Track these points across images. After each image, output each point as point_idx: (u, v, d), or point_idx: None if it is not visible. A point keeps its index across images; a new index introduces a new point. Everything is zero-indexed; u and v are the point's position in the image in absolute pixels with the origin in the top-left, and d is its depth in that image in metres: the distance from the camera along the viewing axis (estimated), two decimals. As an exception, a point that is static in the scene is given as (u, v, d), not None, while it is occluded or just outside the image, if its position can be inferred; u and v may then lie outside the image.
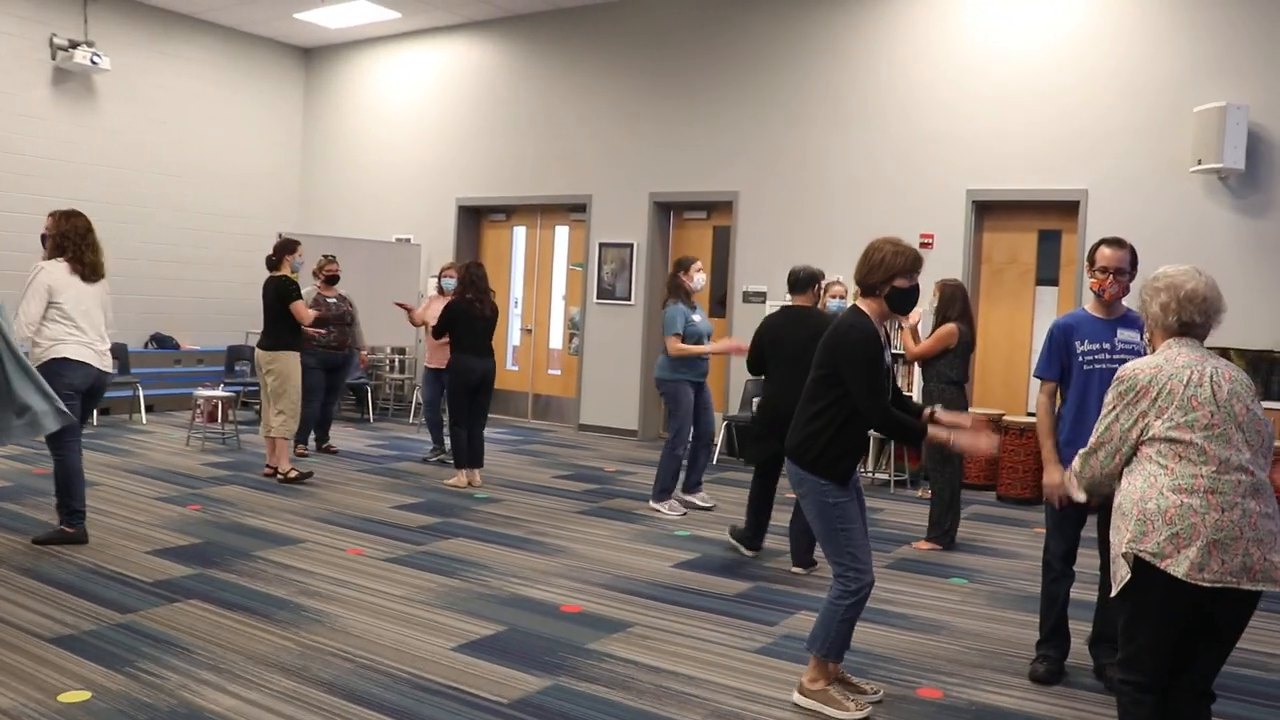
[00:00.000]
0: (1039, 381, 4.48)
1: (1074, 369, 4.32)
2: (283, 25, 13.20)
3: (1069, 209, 8.93)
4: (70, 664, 4.14)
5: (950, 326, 6.57)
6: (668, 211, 11.36)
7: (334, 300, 9.41)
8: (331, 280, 9.52)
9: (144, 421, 11.26)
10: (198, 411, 10.22)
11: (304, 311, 8.12)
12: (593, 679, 4.22)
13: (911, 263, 3.98)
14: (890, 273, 3.95)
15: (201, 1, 12.39)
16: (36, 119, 11.74)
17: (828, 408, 3.94)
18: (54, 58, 11.75)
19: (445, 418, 9.10)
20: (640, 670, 4.35)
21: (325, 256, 9.61)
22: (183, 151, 13.10)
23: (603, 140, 11.54)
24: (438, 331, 8.25)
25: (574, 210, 12.03)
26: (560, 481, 8.65)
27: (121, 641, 4.43)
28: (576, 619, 5.01)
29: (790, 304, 6.36)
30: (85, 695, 3.84)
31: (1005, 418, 8.57)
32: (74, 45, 11.72)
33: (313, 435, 9.60)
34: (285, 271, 8.22)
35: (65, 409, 5.34)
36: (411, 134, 13.20)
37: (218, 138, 13.48)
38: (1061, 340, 4.36)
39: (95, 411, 10.35)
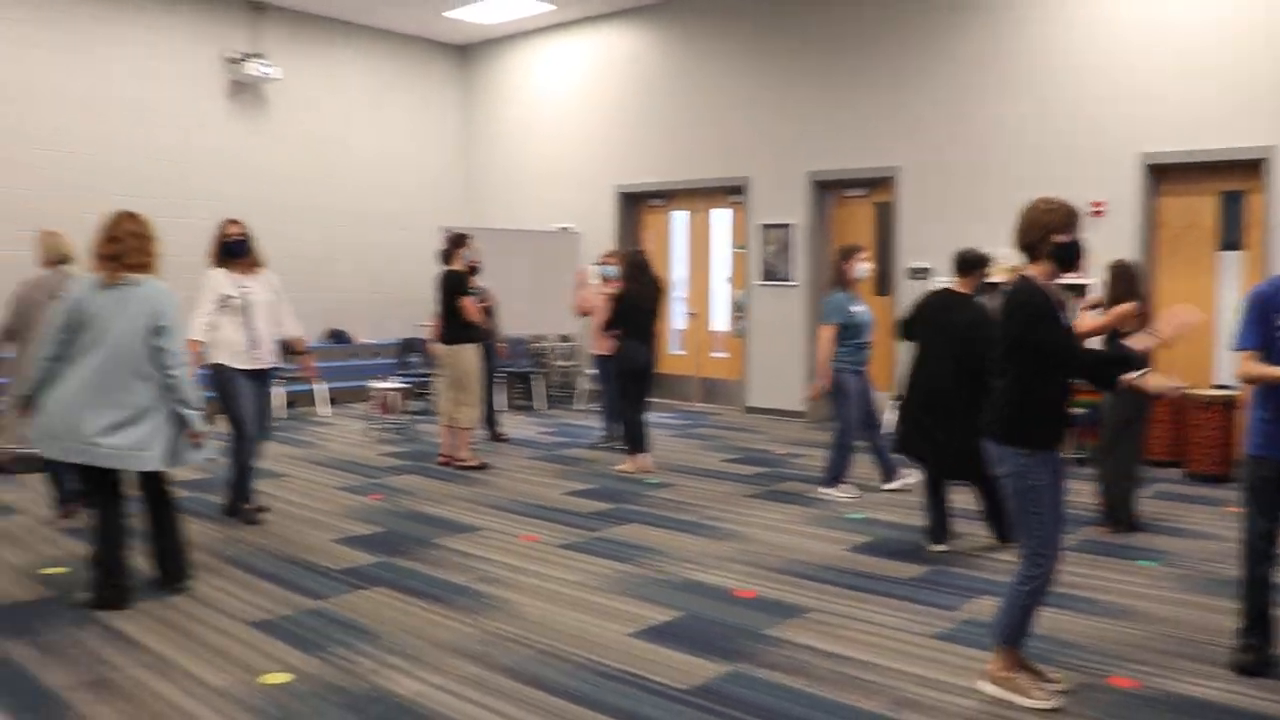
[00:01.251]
0: (1240, 353, 4.21)
1: (1274, 341, 4.08)
2: (439, 24, 13.53)
3: (1252, 168, 8.44)
4: (270, 647, 4.37)
5: (1128, 305, 6.30)
6: (826, 190, 11.22)
7: (475, 292, 9.58)
8: (473, 271, 9.71)
9: (324, 414, 11.74)
10: (374, 403, 10.59)
11: (470, 308, 8.30)
12: (771, 665, 4.22)
13: (1065, 217, 3.87)
14: (1045, 229, 3.86)
15: (361, 7, 12.81)
16: (213, 129, 12.35)
17: (1018, 377, 3.85)
18: (228, 71, 12.35)
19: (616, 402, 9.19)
20: (819, 656, 4.33)
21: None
22: (349, 153, 13.59)
23: (759, 120, 11.46)
24: (610, 324, 8.29)
25: (732, 192, 11.99)
26: (730, 465, 8.66)
27: (315, 627, 4.64)
28: (752, 604, 5.01)
29: (951, 286, 6.19)
30: (287, 677, 4.04)
31: (1191, 391, 8.16)
32: (246, 58, 12.27)
33: (485, 427, 9.80)
34: (457, 265, 8.41)
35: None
36: (569, 124, 13.37)
37: (381, 138, 13.92)
38: (1261, 309, 4.12)
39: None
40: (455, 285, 8.31)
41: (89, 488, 5.02)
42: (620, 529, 6.49)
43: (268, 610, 4.86)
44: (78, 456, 4.77)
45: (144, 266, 4.96)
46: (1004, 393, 3.90)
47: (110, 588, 4.93)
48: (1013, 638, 3.89)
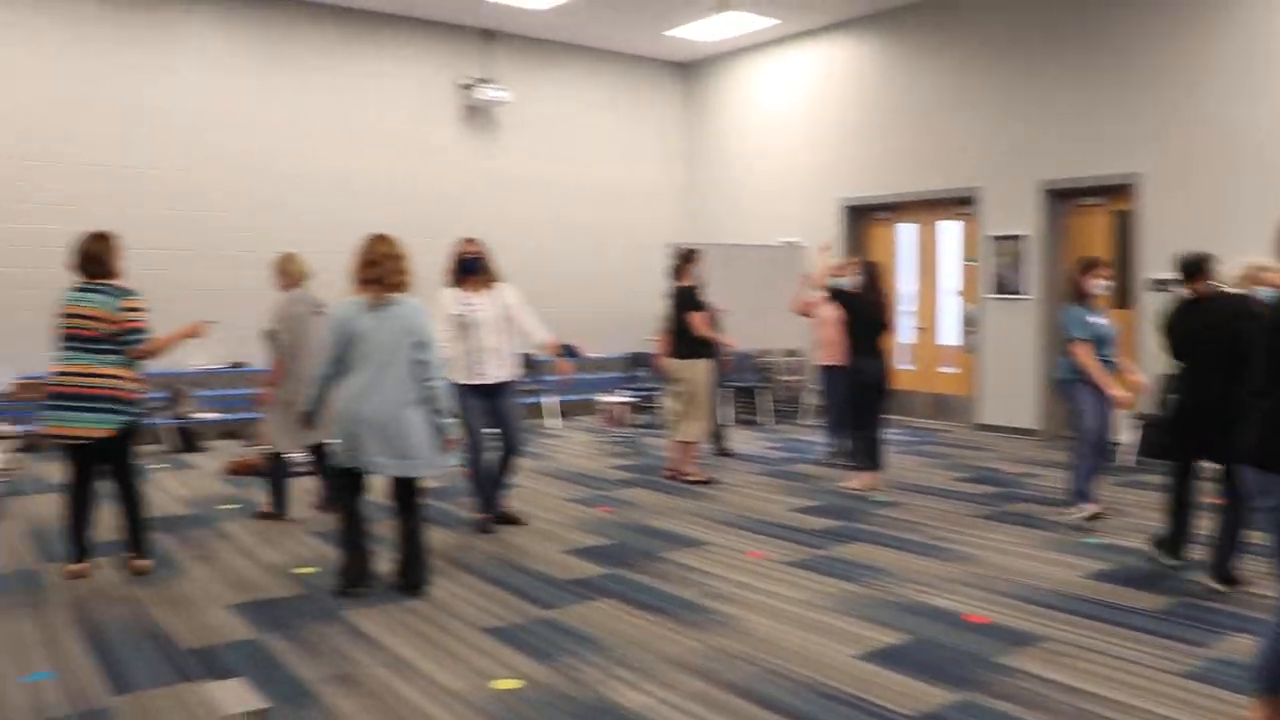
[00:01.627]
0: None
1: None
2: (662, 44, 13.71)
3: None
4: (502, 653, 4.49)
5: None
6: (1060, 199, 10.72)
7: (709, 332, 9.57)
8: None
9: (555, 426, 12.04)
10: (602, 416, 10.79)
11: (700, 323, 8.33)
12: (1005, 696, 4.04)
13: None
14: None
15: (586, 30, 13.12)
16: (449, 154, 12.91)
17: None
18: (462, 97, 12.89)
19: (841, 420, 9.06)
20: (1057, 690, 4.11)
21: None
22: (575, 172, 13.93)
23: (987, 129, 11.08)
24: (836, 296, 8.05)
25: (961, 204, 11.63)
26: (960, 484, 8.38)
27: (545, 635, 4.74)
28: (984, 630, 4.82)
29: (1189, 293, 5.77)
30: (517, 684, 4.14)
31: None
32: (478, 83, 12.79)
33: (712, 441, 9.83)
34: (688, 282, 8.47)
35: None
36: (791, 137, 13.29)
37: (606, 156, 14.22)
38: None
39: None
40: (687, 300, 8.36)
41: (343, 492, 5.40)
42: (847, 547, 6.37)
43: (500, 617, 5.00)
44: (365, 466, 5.25)
45: (400, 286, 5.34)
46: (1270, 415, 3.56)
47: (357, 578, 5.36)
48: (1276, 685, 3.58)
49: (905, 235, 12.52)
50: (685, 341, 8.40)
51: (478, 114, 13.12)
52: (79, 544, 5.71)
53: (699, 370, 8.39)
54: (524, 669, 4.31)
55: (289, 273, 7.12)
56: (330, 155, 12.02)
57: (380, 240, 5.39)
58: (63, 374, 5.51)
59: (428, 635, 4.73)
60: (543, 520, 7.13)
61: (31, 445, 9.67)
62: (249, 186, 11.53)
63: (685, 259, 8.57)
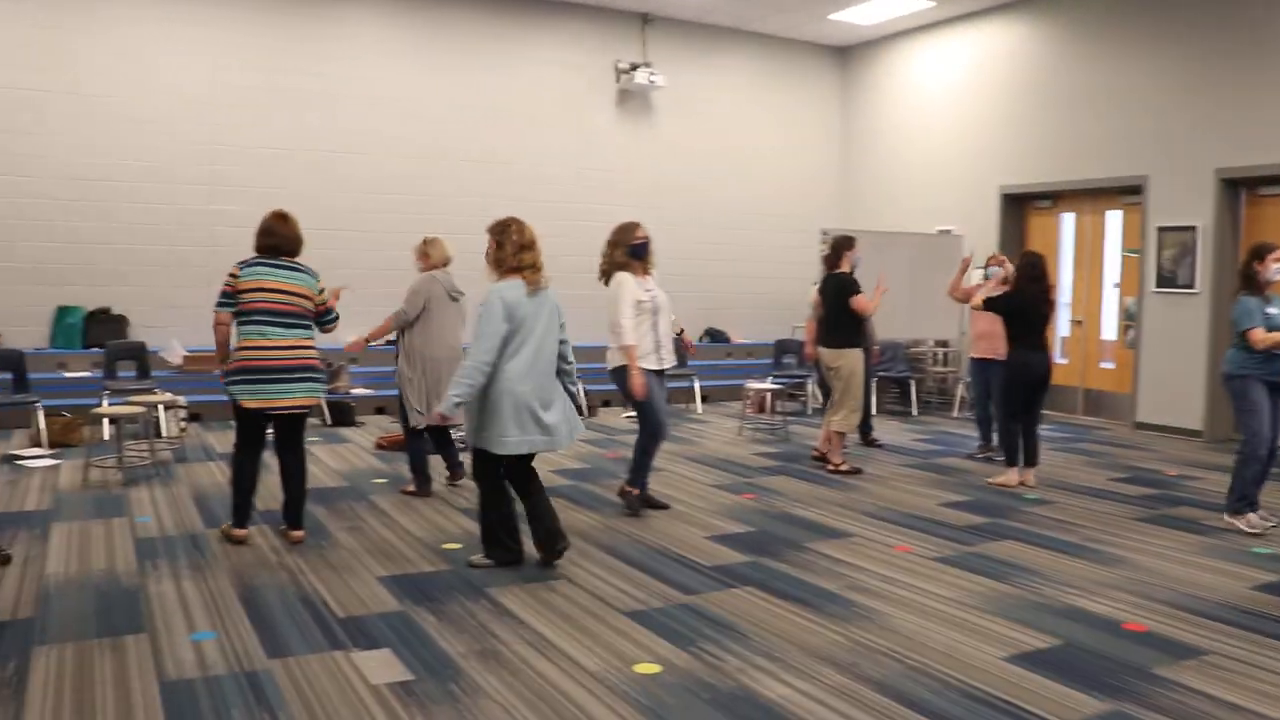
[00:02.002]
0: None
1: None
2: (819, 27, 13.49)
3: None
4: (643, 637, 4.49)
5: None
6: (1239, 188, 10.17)
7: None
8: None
9: (700, 411, 12.03)
10: (748, 403, 10.73)
11: (866, 303, 8.20)
12: (1162, 710, 3.85)
13: None
14: None
15: (744, 14, 13.00)
16: (604, 137, 12.97)
17: None
18: (618, 80, 12.94)
19: (993, 412, 8.82)
20: (1219, 707, 3.89)
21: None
22: (729, 157, 13.85)
23: (1159, 114, 10.56)
24: (991, 305, 7.86)
25: (1127, 193, 11.14)
26: (1116, 484, 8.05)
27: (686, 621, 4.72)
28: (1140, 639, 4.61)
29: None
30: (656, 668, 4.13)
31: None
32: (634, 68, 12.81)
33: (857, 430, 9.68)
34: (844, 268, 8.34)
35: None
36: (950, 123, 12.94)
37: (759, 141, 14.08)
38: None
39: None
40: (845, 287, 8.23)
41: (486, 469, 5.47)
42: (996, 545, 6.18)
43: (642, 601, 5.01)
44: (526, 447, 5.32)
45: (542, 268, 5.48)
46: None
47: (505, 551, 5.50)
48: None
49: (1067, 225, 12.08)
50: (839, 330, 8.28)
51: (633, 98, 13.16)
52: (245, 510, 5.93)
53: (853, 359, 8.25)
54: (664, 654, 4.30)
55: (429, 255, 7.30)
56: (486, 138, 12.22)
57: (524, 225, 5.45)
58: (273, 348, 5.65)
59: (569, 615, 4.77)
60: (686, 505, 7.11)
61: (196, 415, 10.12)
62: (406, 169, 11.81)
63: (843, 245, 8.43)
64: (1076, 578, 5.52)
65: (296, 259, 5.86)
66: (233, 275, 5.72)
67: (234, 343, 5.73)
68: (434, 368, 7.05)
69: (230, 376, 5.67)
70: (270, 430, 5.91)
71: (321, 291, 5.87)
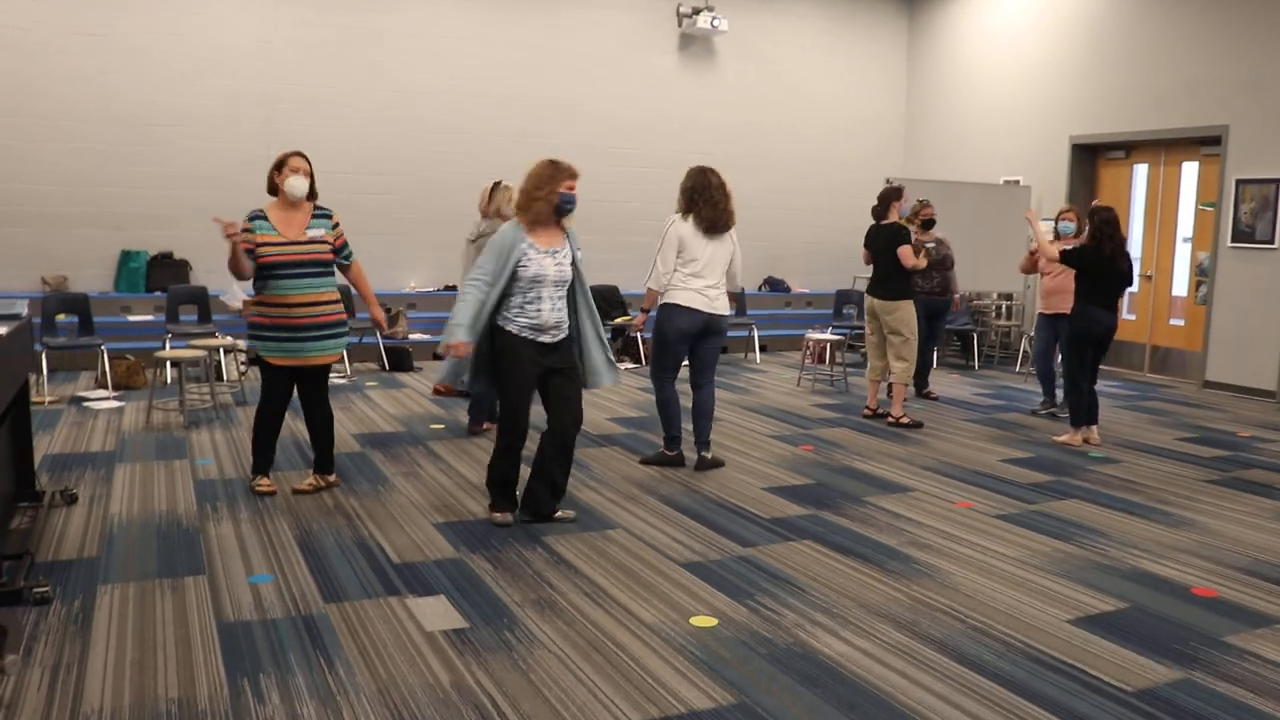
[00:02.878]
0: None
1: None
2: (893, -31, 13.17)
3: None
4: (699, 590, 4.45)
5: None
6: (1328, 140, 9.80)
7: (932, 245, 9.25)
8: (928, 224, 9.40)
9: (758, 361, 11.94)
10: (807, 353, 10.62)
11: (910, 256, 8.05)
12: (1232, 679, 3.73)
13: None
14: None
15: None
16: (665, 83, 12.79)
17: None
18: (680, 25, 12.73)
19: (1057, 368, 8.64)
20: (1295, 674, 3.78)
21: (920, 201, 9.49)
22: (792, 103, 13.61)
23: (1243, 61, 10.16)
24: (1067, 258, 7.65)
25: (1205, 143, 10.78)
26: (1184, 445, 7.85)
27: (743, 574, 4.67)
28: (1210, 605, 4.48)
29: None
30: (713, 621, 4.09)
31: None
32: (696, 12, 12.57)
33: (912, 382, 9.56)
34: (893, 219, 8.20)
35: (616, 366, 5.58)
36: (1019, 70, 12.59)
37: (824, 88, 13.82)
38: None
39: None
40: (893, 237, 8.09)
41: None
42: (1060, 504, 6.05)
43: (698, 553, 4.96)
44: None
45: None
46: None
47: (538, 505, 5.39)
48: None
49: (1139, 177, 11.74)
50: (892, 281, 8.14)
51: (695, 43, 12.95)
52: (268, 459, 5.86)
53: (906, 311, 8.12)
54: (721, 607, 4.25)
55: (491, 199, 7.24)
56: (547, 83, 12.10)
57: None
58: (303, 304, 5.49)
59: (626, 566, 4.73)
60: (743, 456, 7.05)
61: (256, 359, 10.18)
62: (463, 115, 11.73)
63: (891, 196, 8.27)
64: (1144, 540, 5.39)
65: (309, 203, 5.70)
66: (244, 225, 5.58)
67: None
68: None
69: (263, 333, 5.61)
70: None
71: (337, 227, 5.69)
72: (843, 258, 13.50)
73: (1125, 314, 11.64)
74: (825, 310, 12.95)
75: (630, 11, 12.52)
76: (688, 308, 6.36)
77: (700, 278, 6.36)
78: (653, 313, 6.60)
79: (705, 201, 6.39)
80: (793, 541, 5.18)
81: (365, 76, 11.23)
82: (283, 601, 4.17)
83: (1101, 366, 7.85)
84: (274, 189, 5.63)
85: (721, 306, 6.44)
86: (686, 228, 6.40)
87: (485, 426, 7.49)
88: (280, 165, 5.60)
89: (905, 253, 8.03)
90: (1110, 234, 7.47)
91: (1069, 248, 7.70)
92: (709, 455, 6.65)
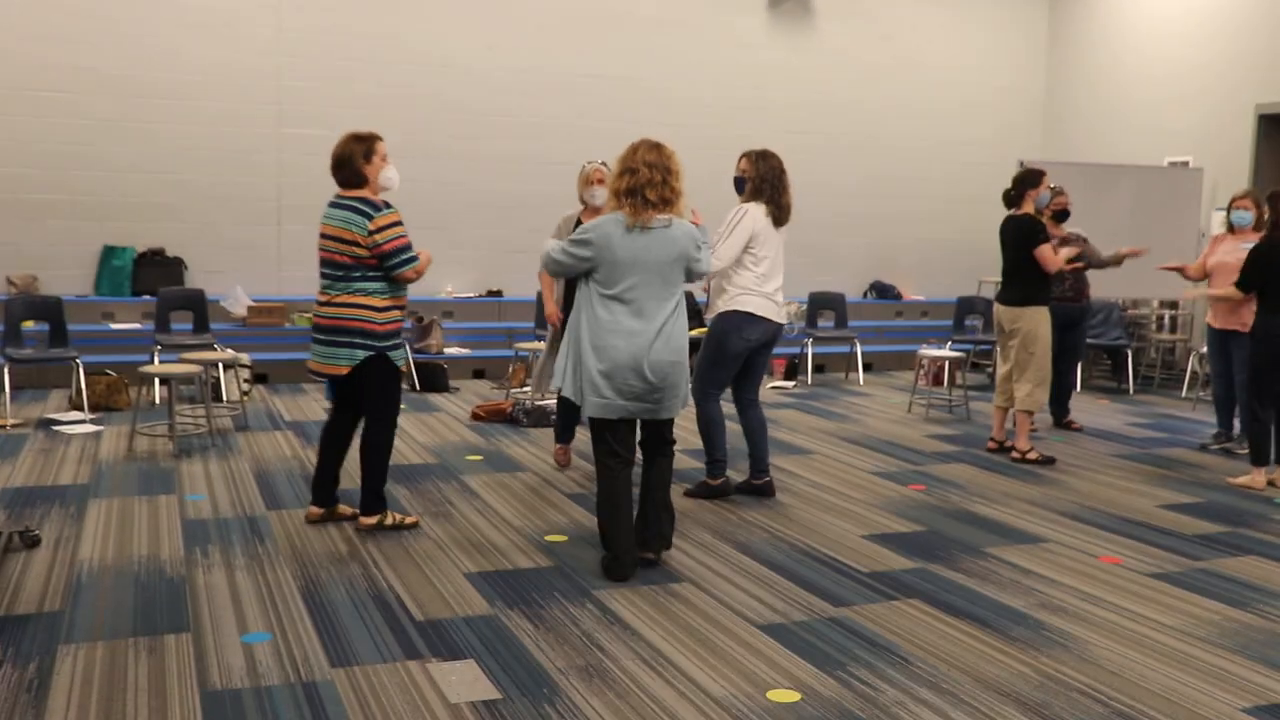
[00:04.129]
0: None
1: None
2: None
3: None
4: (780, 657, 4.43)
5: None
6: None
7: (1064, 267, 9.12)
8: (1061, 216, 9.28)
9: (861, 382, 11.87)
10: (921, 372, 10.54)
11: (1051, 257, 7.97)
12: None
13: None
14: None
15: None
16: (752, 47, 12.81)
17: None
18: (770, -24, 12.78)
19: (1240, 395, 8.48)
20: None
21: (1052, 189, 9.36)
22: (907, 72, 13.56)
23: None
24: (1243, 284, 7.58)
25: None
26: (1396, 488, 7.68)
27: (833, 639, 4.64)
28: None
29: None
30: (795, 696, 4.07)
31: None
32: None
33: (1048, 409, 9.46)
34: (1028, 209, 8.12)
35: None
36: (1190, 27, 12.40)
37: (947, 53, 13.75)
38: None
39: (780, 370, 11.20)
40: (1028, 232, 8.01)
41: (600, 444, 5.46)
42: (1235, 562, 5.93)
43: (780, 613, 4.94)
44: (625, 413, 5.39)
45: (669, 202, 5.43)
46: None
47: (613, 559, 5.42)
48: None
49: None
50: (1022, 283, 8.07)
51: (790, 1, 12.94)
52: (319, 486, 6.12)
53: (1037, 320, 8.04)
54: (805, 679, 4.23)
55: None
56: (604, 51, 12.17)
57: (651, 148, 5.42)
58: (320, 304, 5.85)
59: (693, 628, 4.72)
60: (840, 496, 7.02)
61: (263, 376, 10.37)
62: (508, 88, 11.83)
63: (1027, 182, 8.19)
64: (1339, 605, 5.27)
65: (359, 192, 5.82)
66: None
67: None
68: None
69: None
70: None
71: (382, 230, 5.70)
72: (966, 258, 13.39)
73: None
74: (944, 322, 12.84)
75: (709, -40, 12.59)
76: (761, 317, 6.55)
77: (770, 279, 6.58)
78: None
79: (779, 188, 6.60)
80: (896, 601, 5.14)
81: (391, 42, 11.39)
82: (281, 665, 4.22)
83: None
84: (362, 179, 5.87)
85: (786, 313, 6.74)
86: (762, 219, 6.52)
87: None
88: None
89: (1044, 254, 7.94)
90: (1284, 224, 7.36)
91: (1241, 272, 7.57)
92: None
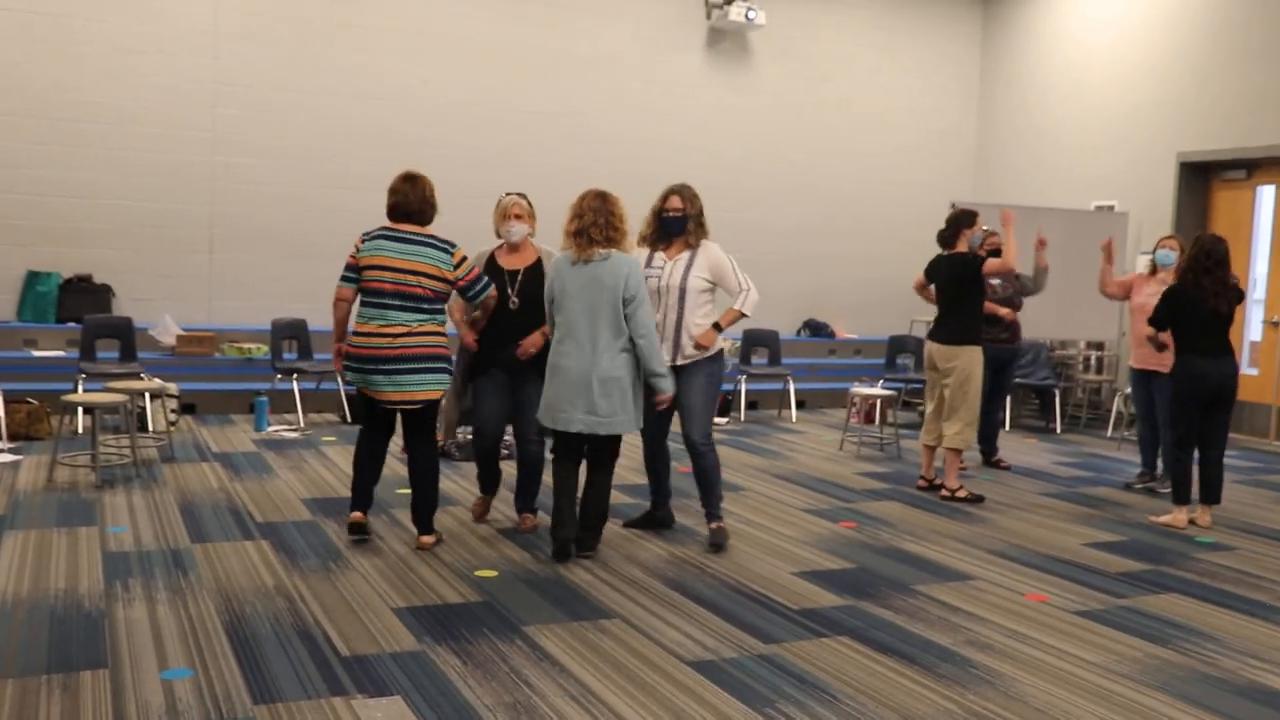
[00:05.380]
0: None
1: None
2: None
3: None
4: (709, 694, 4.41)
5: None
6: None
7: (998, 281, 9.26)
8: (995, 255, 9.41)
9: (794, 419, 11.92)
10: (853, 410, 10.60)
11: (1000, 260, 8.11)
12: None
13: None
14: None
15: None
16: (689, 85, 12.91)
17: None
18: (709, 16, 12.88)
19: (1163, 434, 8.61)
20: None
21: (985, 230, 9.49)
22: (842, 113, 13.72)
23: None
24: (1156, 321, 7.74)
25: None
26: (1316, 529, 7.83)
27: (763, 676, 4.63)
28: (1342, 725, 4.42)
29: None
30: (724, 735, 4.05)
31: None
32: (729, 1, 12.69)
33: (978, 447, 9.57)
34: (962, 248, 8.22)
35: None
36: (1116, 76, 12.66)
37: (881, 95, 13.94)
38: None
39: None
40: (968, 267, 8.11)
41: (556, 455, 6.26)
42: (1157, 599, 6.00)
43: (710, 649, 4.92)
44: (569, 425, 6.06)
45: (610, 240, 6.10)
46: None
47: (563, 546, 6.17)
48: None
49: (1265, 202, 11.77)
50: (956, 322, 8.17)
51: (726, 39, 13.07)
52: (358, 494, 6.40)
53: (971, 359, 8.12)
54: (734, 716, 4.21)
55: (530, 217, 6.83)
56: (546, 88, 12.20)
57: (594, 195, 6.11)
58: (379, 335, 6.02)
59: (621, 664, 4.70)
60: (771, 533, 7.03)
61: (190, 406, 10.24)
62: (445, 121, 11.82)
63: (960, 222, 8.31)
64: (1262, 647, 5.33)
65: (425, 230, 6.18)
66: (356, 246, 6.18)
67: (352, 324, 6.22)
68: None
69: (344, 362, 6.22)
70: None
71: (462, 264, 6.14)
72: (899, 297, 13.48)
73: (1246, 368, 11.60)
74: (876, 360, 12.95)
75: (649, 1, 12.63)
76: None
77: None
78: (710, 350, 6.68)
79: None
80: (825, 638, 5.15)
81: (329, 72, 11.35)
82: (202, 703, 4.14)
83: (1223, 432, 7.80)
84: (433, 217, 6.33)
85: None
86: None
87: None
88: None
89: (991, 265, 8.08)
90: (1204, 267, 7.49)
91: (1155, 309, 7.73)
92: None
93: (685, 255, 6.60)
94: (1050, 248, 10.90)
